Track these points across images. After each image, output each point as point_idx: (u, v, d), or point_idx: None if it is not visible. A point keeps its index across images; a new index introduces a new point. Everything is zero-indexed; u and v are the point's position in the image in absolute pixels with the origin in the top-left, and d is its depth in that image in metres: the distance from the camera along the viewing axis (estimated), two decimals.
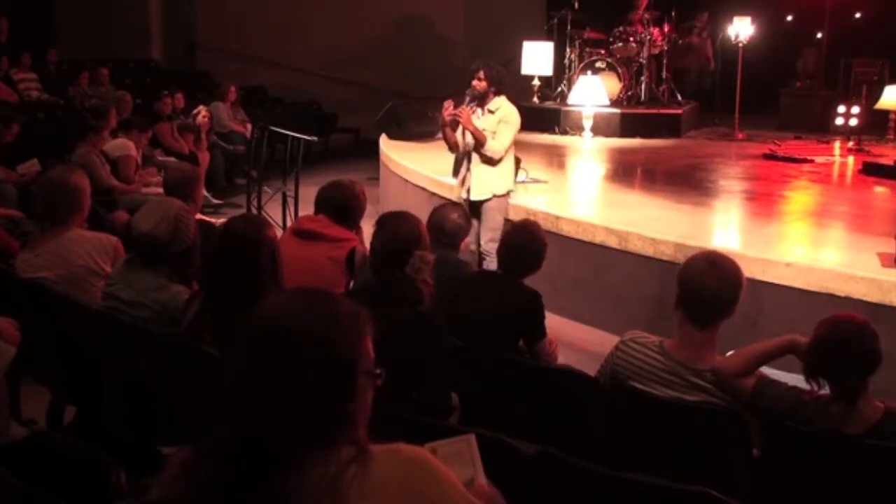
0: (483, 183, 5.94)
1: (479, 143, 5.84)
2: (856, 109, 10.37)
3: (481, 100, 5.87)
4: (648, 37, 11.41)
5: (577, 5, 11.94)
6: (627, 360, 3.01)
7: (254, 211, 7.81)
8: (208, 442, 1.48)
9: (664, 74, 11.93)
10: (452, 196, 6.20)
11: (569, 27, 11.83)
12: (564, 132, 10.90)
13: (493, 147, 5.84)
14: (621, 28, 11.58)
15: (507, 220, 5.94)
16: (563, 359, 4.01)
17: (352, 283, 3.99)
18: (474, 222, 5.67)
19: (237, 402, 1.47)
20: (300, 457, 1.45)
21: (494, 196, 5.94)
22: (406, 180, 8.29)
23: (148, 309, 3.37)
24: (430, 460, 1.56)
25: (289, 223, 7.19)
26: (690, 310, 2.89)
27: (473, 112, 5.86)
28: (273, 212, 7.68)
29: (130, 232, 3.58)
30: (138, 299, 3.40)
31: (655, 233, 5.78)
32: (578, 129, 10.59)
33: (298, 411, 1.46)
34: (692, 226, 6.20)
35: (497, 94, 5.87)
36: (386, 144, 9.74)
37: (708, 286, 2.85)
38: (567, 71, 11.76)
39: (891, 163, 8.50)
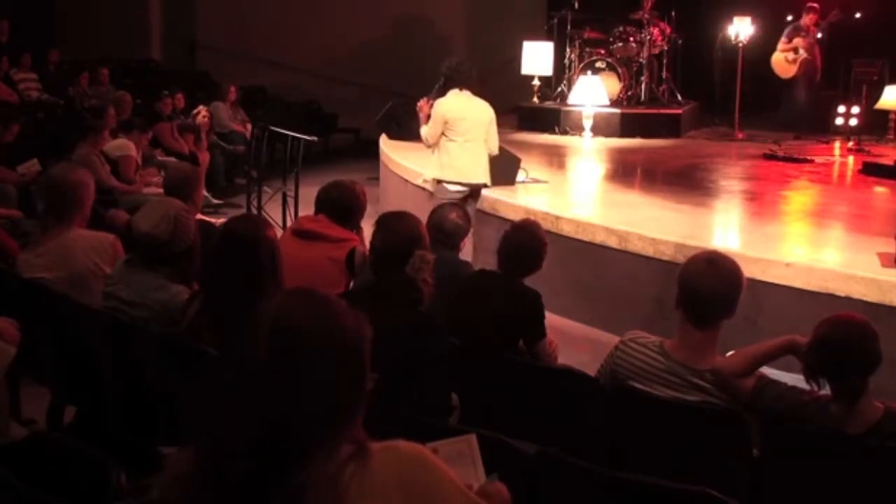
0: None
1: None
2: (856, 109, 10.36)
3: (440, 92, 6.28)
4: (648, 37, 11.42)
5: (577, 5, 11.94)
6: (627, 361, 3.01)
7: (254, 211, 7.81)
8: (211, 442, 1.48)
9: (664, 74, 11.93)
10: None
11: (569, 27, 11.83)
12: (564, 132, 10.90)
13: (422, 134, 6.30)
14: (621, 28, 11.58)
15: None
16: (563, 359, 4.00)
17: (352, 284, 4.00)
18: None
19: (243, 403, 1.47)
20: (304, 456, 1.45)
21: (423, 179, 6.48)
22: (406, 180, 8.28)
23: (148, 309, 3.37)
24: (428, 456, 1.57)
25: (289, 223, 7.20)
26: (690, 310, 2.90)
27: (429, 103, 6.34)
28: (273, 212, 7.68)
29: (131, 232, 3.58)
30: (138, 299, 3.40)
31: (655, 233, 5.78)
32: (578, 129, 10.58)
33: (305, 412, 1.46)
34: (692, 226, 6.20)
35: (451, 87, 6.13)
36: (386, 144, 9.73)
37: (707, 286, 2.85)
38: (567, 71, 11.75)
39: (891, 163, 8.50)
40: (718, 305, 2.88)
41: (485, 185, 6.37)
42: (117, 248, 3.89)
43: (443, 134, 6.11)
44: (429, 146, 6.28)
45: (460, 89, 6.11)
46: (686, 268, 2.95)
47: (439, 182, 6.23)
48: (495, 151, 6.35)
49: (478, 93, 6.22)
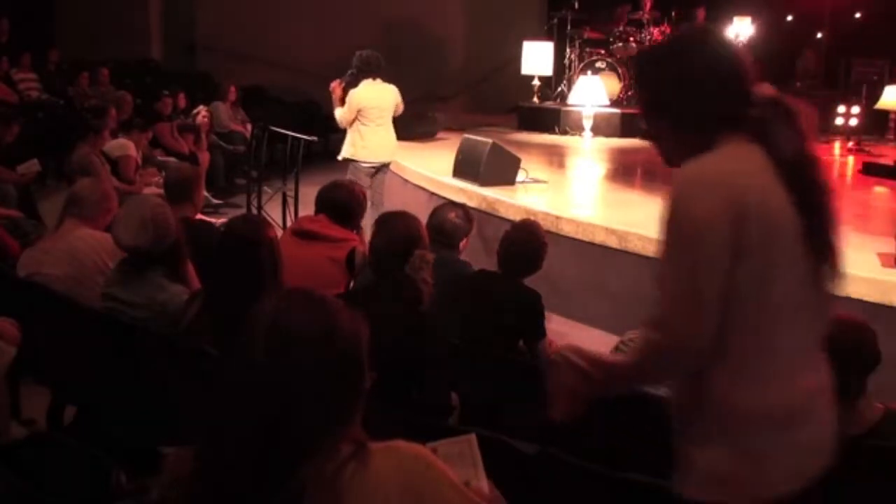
0: None
1: None
2: (856, 109, 10.35)
3: (352, 80, 6.97)
4: (648, 37, 11.41)
5: (577, 5, 11.95)
6: None
7: (254, 211, 7.81)
8: (211, 443, 1.48)
9: None
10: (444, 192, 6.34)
11: (569, 27, 11.83)
12: (564, 132, 10.90)
13: (336, 115, 7.06)
14: (621, 28, 11.59)
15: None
16: None
17: (352, 284, 4.00)
18: None
19: (243, 403, 1.47)
20: (303, 455, 1.45)
21: (342, 157, 7.18)
22: (406, 180, 8.29)
23: (147, 309, 3.37)
24: (428, 457, 1.57)
25: (289, 223, 7.20)
26: None
27: (341, 86, 7.01)
28: (273, 212, 7.68)
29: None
30: (138, 300, 3.40)
31: (655, 233, 5.76)
32: (578, 129, 10.59)
33: (304, 412, 1.46)
34: None
35: (363, 77, 6.91)
36: None
37: None
38: (567, 71, 11.76)
39: (891, 163, 8.50)
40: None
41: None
42: None
43: (356, 119, 6.91)
44: (342, 127, 7.10)
45: (373, 79, 6.93)
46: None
47: (353, 161, 7.05)
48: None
49: (387, 79, 6.95)
